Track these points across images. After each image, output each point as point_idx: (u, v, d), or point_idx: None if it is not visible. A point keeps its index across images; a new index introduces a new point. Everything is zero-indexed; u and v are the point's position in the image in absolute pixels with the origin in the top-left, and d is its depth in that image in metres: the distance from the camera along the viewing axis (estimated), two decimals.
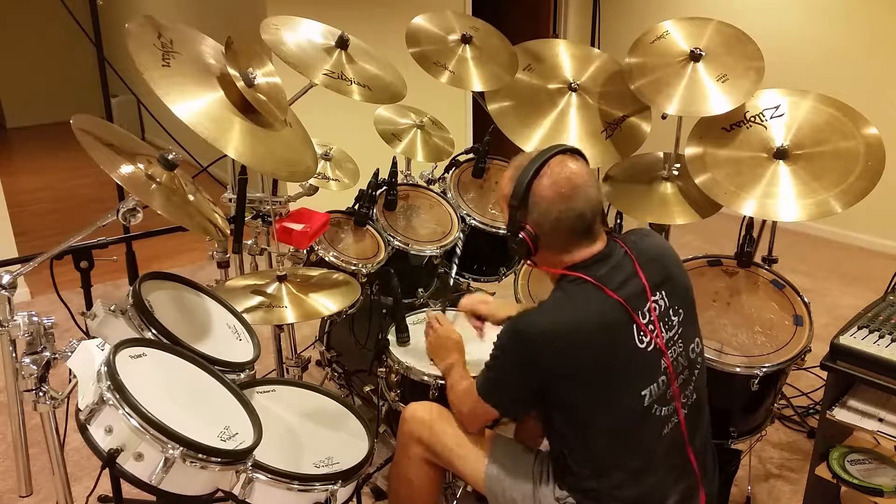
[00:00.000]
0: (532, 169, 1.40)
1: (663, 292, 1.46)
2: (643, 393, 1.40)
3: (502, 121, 2.49)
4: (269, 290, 1.90)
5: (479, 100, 2.60)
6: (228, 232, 1.76)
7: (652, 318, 1.42)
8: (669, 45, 2.36)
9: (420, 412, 1.70)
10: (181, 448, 1.21)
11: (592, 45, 4.35)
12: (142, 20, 1.54)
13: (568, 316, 1.39)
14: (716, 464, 1.61)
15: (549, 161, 1.41)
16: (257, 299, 1.87)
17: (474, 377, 1.60)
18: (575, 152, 1.45)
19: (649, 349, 1.41)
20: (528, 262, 1.52)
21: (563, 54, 2.65)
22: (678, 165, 2.36)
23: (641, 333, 1.40)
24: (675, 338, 1.46)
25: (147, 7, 6.50)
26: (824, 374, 1.80)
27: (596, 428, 1.42)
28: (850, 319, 1.84)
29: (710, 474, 1.57)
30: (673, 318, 1.46)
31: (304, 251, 2.22)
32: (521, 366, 1.42)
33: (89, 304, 1.86)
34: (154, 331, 1.47)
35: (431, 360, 1.93)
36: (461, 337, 1.90)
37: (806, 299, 2.05)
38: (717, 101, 2.21)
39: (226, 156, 1.51)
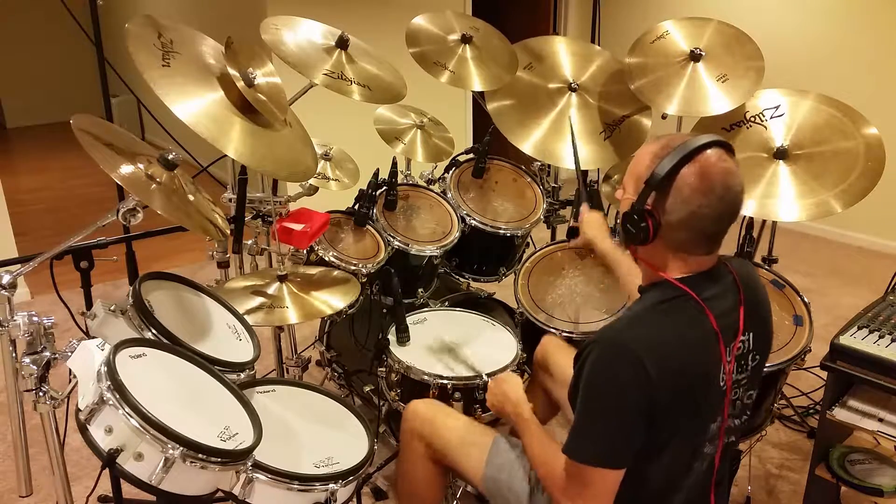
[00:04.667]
0: (685, 151, 1.23)
1: (751, 334, 1.35)
2: (707, 429, 1.33)
3: (501, 120, 2.49)
4: (270, 290, 1.90)
5: (479, 100, 2.60)
6: (228, 232, 1.76)
7: (731, 358, 1.31)
8: (669, 45, 2.36)
9: (421, 409, 1.70)
10: (181, 448, 1.21)
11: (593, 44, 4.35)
12: (142, 20, 1.54)
13: (671, 332, 1.25)
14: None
15: (704, 149, 1.25)
16: (258, 300, 1.86)
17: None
18: (730, 149, 1.29)
19: (723, 387, 1.31)
20: (632, 249, 1.36)
21: (564, 52, 2.65)
22: None
23: (723, 371, 1.30)
24: (743, 381, 1.37)
25: (147, 7, 6.50)
26: (824, 374, 1.80)
27: (656, 460, 1.31)
28: (850, 319, 1.84)
29: None
30: (750, 362, 1.37)
31: (304, 251, 2.22)
32: (627, 387, 1.21)
33: (89, 304, 1.86)
34: (154, 331, 1.47)
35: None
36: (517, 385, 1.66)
37: (806, 299, 2.05)
38: (717, 101, 2.21)
39: (226, 156, 1.51)
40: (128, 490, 1.84)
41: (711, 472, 1.41)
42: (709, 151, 1.25)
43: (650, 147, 1.31)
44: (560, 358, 1.89)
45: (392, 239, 2.29)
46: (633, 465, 1.28)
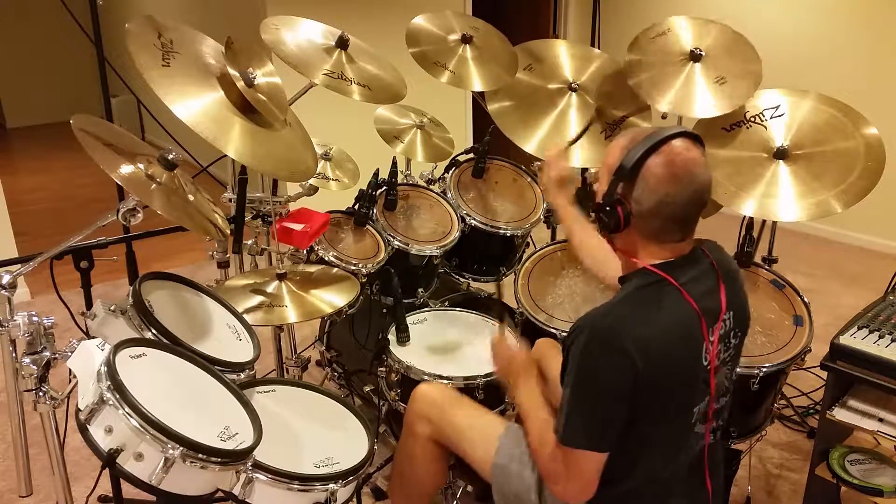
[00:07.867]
0: (651, 142, 1.29)
1: (731, 314, 1.40)
2: (694, 409, 1.36)
3: (502, 121, 2.49)
4: (269, 288, 1.90)
5: (479, 100, 2.60)
6: (228, 232, 1.76)
7: (714, 338, 1.35)
8: (670, 42, 2.36)
9: (433, 392, 1.70)
10: (181, 448, 1.21)
11: (592, 45, 4.35)
12: (142, 20, 1.54)
13: (652, 316, 1.30)
14: (725, 486, 1.58)
15: (670, 140, 1.30)
16: (258, 299, 1.86)
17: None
18: (697, 139, 1.34)
19: (707, 367, 1.36)
20: (609, 239, 1.42)
21: (564, 55, 2.65)
22: None
23: (706, 350, 1.34)
24: (727, 360, 1.42)
25: (147, 7, 6.50)
26: (824, 374, 1.80)
27: (648, 440, 1.35)
28: (850, 319, 1.84)
29: (719, 495, 1.54)
30: (732, 340, 1.41)
31: (304, 251, 2.22)
32: (613, 374, 1.27)
33: (89, 304, 1.86)
34: (154, 331, 1.47)
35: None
36: (524, 354, 1.70)
37: (806, 299, 2.05)
38: (708, 104, 2.20)
39: (226, 156, 1.51)
40: (128, 490, 1.84)
41: (703, 453, 1.44)
42: (674, 142, 1.31)
43: (620, 140, 1.37)
44: (554, 361, 1.88)
45: (392, 239, 2.30)
46: (627, 448, 1.33)
